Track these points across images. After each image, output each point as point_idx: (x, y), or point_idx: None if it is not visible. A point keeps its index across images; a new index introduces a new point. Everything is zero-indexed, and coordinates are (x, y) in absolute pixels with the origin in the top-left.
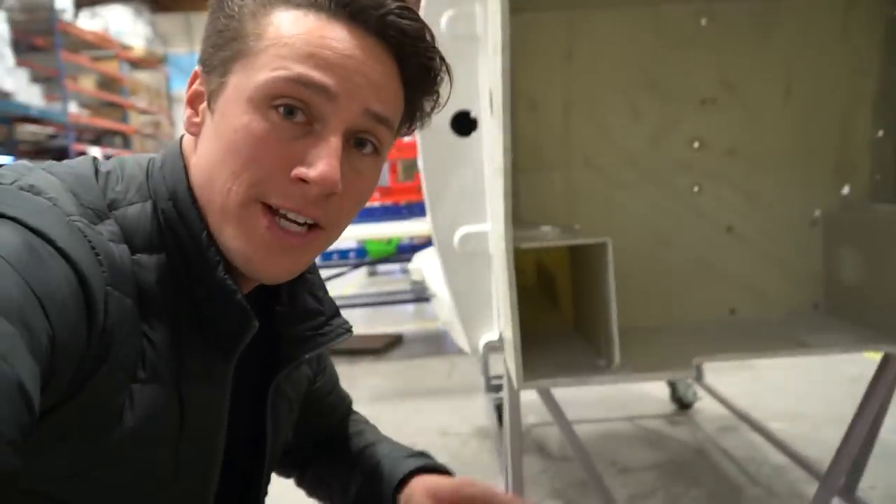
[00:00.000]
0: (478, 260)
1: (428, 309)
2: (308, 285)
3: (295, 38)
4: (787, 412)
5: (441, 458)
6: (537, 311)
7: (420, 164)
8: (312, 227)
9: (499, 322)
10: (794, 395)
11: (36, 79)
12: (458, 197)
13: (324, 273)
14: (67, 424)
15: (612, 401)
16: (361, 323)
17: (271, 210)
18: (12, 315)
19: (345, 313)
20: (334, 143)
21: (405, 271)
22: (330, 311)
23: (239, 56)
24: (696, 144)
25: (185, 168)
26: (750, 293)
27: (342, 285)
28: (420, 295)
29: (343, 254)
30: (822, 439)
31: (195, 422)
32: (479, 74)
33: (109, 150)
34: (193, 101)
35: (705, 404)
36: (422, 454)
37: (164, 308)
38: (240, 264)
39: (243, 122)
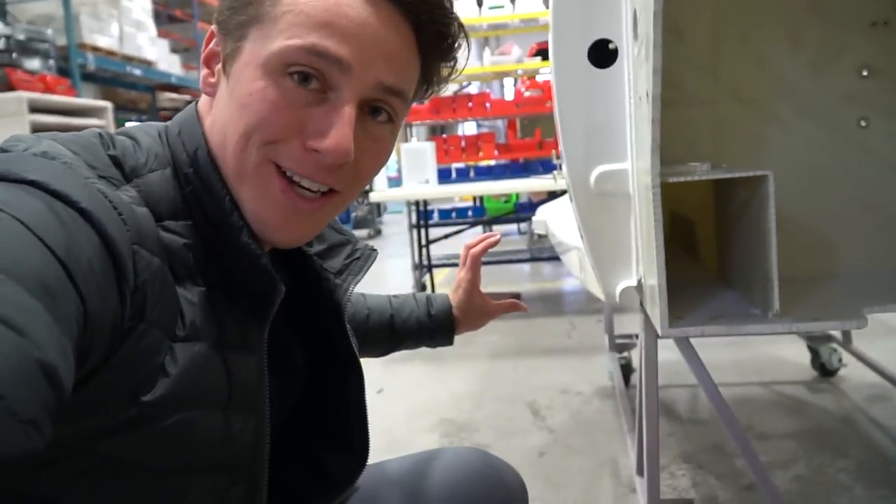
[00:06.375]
0: (615, 201)
1: (545, 269)
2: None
3: (311, 5)
4: None
5: (563, 416)
6: (673, 262)
7: (554, 98)
8: (327, 192)
9: (637, 267)
10: None
11: (175, 49)
12: (594, 133)
13: (441, 231)
14: (110, 385)
15: (746, 365)
16: None
17: (285, 174)
18: (34, 286)
19: None
20: (348, 112)
21: (522, 232)
22: (353, 237)
23: (255, 21)
24: (864, 72)
25: (203, 133)
26: None
27: (459, 244)
28: (536, 255)
29: (461, 212)
30: None
31: (241, 389)
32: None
33: None
34: (209, 61)
35: (851, 371)
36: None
37: (196, 272)
38: (256, 228)
39: (258, 87)
